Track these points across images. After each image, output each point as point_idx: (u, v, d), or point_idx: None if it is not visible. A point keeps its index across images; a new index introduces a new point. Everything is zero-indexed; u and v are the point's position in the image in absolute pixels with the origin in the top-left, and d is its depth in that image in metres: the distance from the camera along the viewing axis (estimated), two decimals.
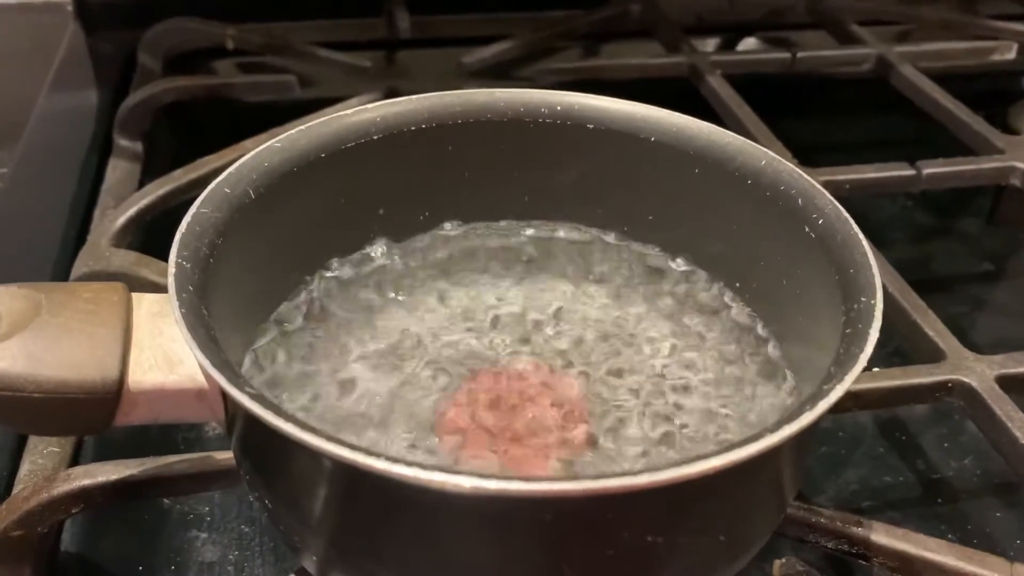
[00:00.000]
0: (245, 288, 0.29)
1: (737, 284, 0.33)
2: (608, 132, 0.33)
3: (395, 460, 0.20)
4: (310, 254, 0.32)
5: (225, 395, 0.23)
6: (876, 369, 0.36)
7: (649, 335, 0.32)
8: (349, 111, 0.32)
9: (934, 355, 0.37)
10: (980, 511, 0.37)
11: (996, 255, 0.52)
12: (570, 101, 0.33)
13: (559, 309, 0.33)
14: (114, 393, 0.23)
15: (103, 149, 0.51)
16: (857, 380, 0.34)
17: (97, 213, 0.45)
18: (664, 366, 0.31)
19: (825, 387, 0.22)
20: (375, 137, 0.32)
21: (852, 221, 0.28)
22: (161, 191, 0.42)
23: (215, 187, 0.28)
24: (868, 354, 0.23)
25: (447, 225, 0.35)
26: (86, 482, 0.30)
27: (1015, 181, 0.47)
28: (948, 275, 0.51)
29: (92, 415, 0.23)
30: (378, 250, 0.34)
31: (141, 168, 0.49)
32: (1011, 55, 0.59)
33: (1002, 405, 0.34)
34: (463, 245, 0.35)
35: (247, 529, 0.34)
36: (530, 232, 0.36)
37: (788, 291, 0.30)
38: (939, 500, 0.37)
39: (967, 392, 0.35)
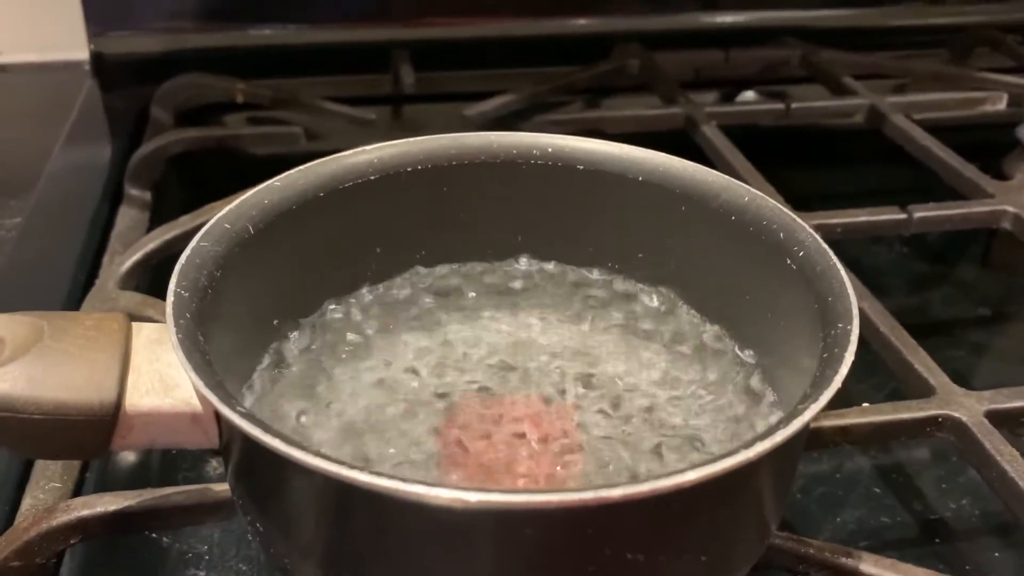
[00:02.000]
0: (243, 321, 0.30)
1: (723, 316, 0.33)
2: (597, 173, 0.34)
3: (378, 473, 0.20)
4: (308, 290, 0.33)
5: (218, 416, 0.24)
6: (866, 404, 0.36)
7: (641, 369, 0.33)
8: (347, 152, 0.33)
9: (924, 392, 0.37)
10: (978, 551, 0.37)
11: (991, 299, 0.52)
12: (560, 144, 0.35)
13: (552, 344, 0.34)
14: (111, 416, 0.24)
15: (114, 198, 0.52)
16: (847, 415, 0.35)
17: (106, 258, 0.46)
18: (654, 399, 0.31)
19: (799, 407, 0.23)
20: (372, 178, 0.33)
21: (831, 252, 0.29)
22: (167, 236, 0.44)
23: (215, 222, 0.29)
24: (843, 375, 0.24)
25: (442, 263, 0.36)
26: (84, 513, 0.30)
27: (1006, 224, 0.48)
28: (943, 319, 0.52)
29: (90, 437, 0.24)
30: (375, 287, 0.35)
31: (150, 216, 0.51)
32: (1002, 105, 0.60)
33: (992, 440, 0.34)
34: (458, 283, 0.36)
35: (245, 568, 0.34)
36: (522, 270, 0.36)
37: (772, 322, 0.31)
38: (937, 540, 0.37)
39: (957, 427, 0.35)
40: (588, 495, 0.20)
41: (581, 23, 0.69)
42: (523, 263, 0.36)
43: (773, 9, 0.71)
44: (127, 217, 0.50)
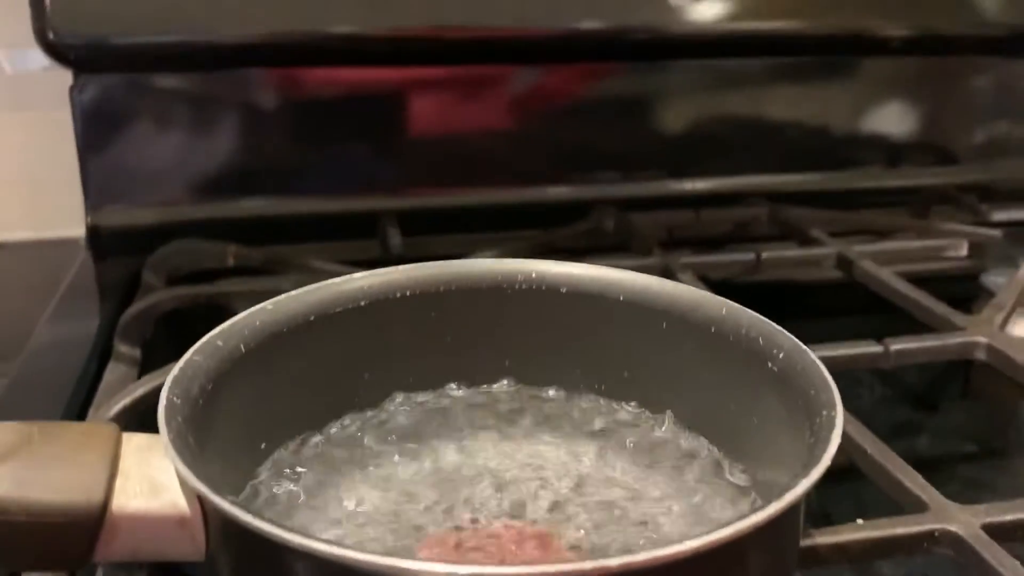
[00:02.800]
0: (232, 439, 0.30)
1: (710, 428, 0.34)
2: (579, 295, 0.36)
3: (370, 552, 0.20)
4: (297, 413, 0.33)
5: (206, 515, 0.24)
6: (860, 520, 0.36)
7: (630, 487, 0.33)
8: (338, 279, 0.34)
9: (918, 508, 0.37)
10: None
11: (975, 432, 0.53)
12: (543, 269, 0.36)
13: (540, 467, 0.34)
14: (97, 517, 0.24)
15: (103, 357, 0.53)
16: (842, 532, 0.35)
17: (91, 410, 0.46)
18: (642, 513, 0.31)
19: (792, 482, 0.23)
20: (362, 303, 0.34)
21: (810, 351, 0.29)
22: (155, 383, 0.44)
23: (208, 339, 0.30)
24: (832, 453, 0.24)
25: (429, 388, 0.36)
26: None
27: (980, 355, 0.49)
28: (931, 455, 0.52)
29: (75, 542, 0.24)
30: (362, 412, 0.35)
31: (138, 372, 0.51)
32: (963, 252, 0.63)
33: (993, 552, 0.34)
34: (445, 407, 0.36)
35: None
36: (509, 393, 0.37)
37: (758, 428, 0.31)
38: None
39: (955, 541, 0.35)
40: (587, 566, 0.20)
41: (560, 191, 0.72)
42: (509, 386, 0.37)
43: (740, 175, 0.75)
44: (116, 372, 0.50)
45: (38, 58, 0.73)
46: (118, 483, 0.24)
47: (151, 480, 0.25)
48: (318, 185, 0.69)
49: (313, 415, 0.34)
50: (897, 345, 0.49)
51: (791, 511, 0.22)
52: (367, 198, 0.70)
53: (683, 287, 0.34)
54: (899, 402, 0.57)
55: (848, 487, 0.41)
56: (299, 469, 0.32)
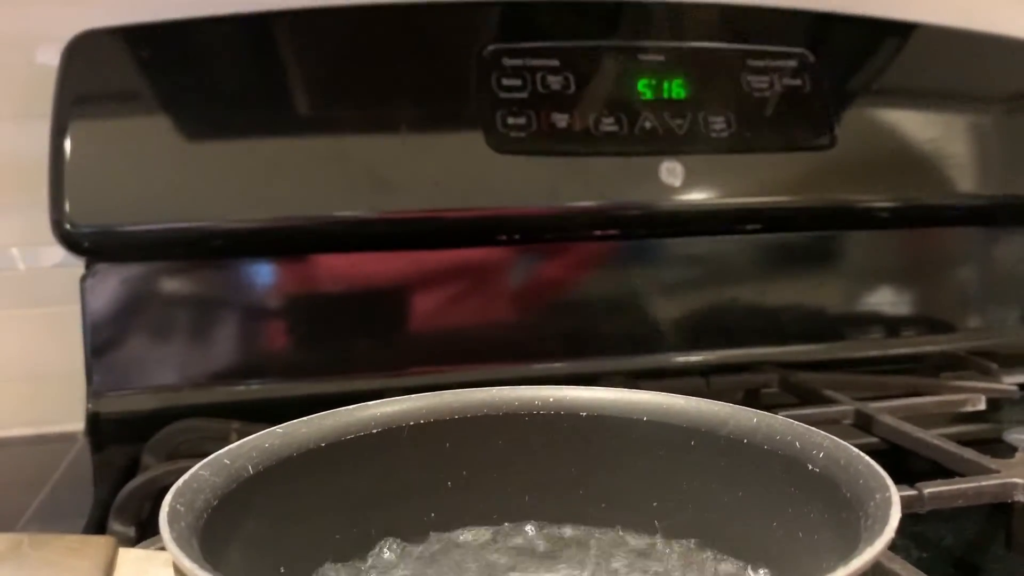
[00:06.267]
0: (232, 566, 0.27)
1: (753, 552, 0.31)
2: (601, 418, 0.34)
3: None
4: (309, 546, 0.31)
5: None
6: None
7: None
8: (350, 407, 0.33)
9: None
10: None
11: None
12: (561, 394, 0.35)
13: None
14: None
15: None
16: None
17: None
18: None
19: (857, 551, 0.21)
20: (374, 431, 0.33)
21: (850, 445, 0.28)
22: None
23: (215, 457, 0.28)
24: (895, 522, 0.22)
25: (444, 529, 0.34)
26: None
27: (1020, 497, 0.46)
28: None
29: None
30: (379, 553, 0.33)
31: None
32: (981, 406, 0.62)
33: None
34: (461, 553, 0.34)
35: None
36: (531, 535, 0.34)
37: (805, 542, 0.29)
38: None
39: None
40: None
41: (565, 366, 0.72)
42: (531, 527, 0.35)
43: (744, 347, 0.75)
44: None
45: (49, 255, 0.75)
46: None
47: None
48: (319, 369, 0.69)
49: (323, 552, 0.32)
50: (931, 488, 0.46)
51: None
52: (369, 378, 0.69)
53: (709, 402, 0.33)
54: (939, 566, 0.54)
55: None
56: None
